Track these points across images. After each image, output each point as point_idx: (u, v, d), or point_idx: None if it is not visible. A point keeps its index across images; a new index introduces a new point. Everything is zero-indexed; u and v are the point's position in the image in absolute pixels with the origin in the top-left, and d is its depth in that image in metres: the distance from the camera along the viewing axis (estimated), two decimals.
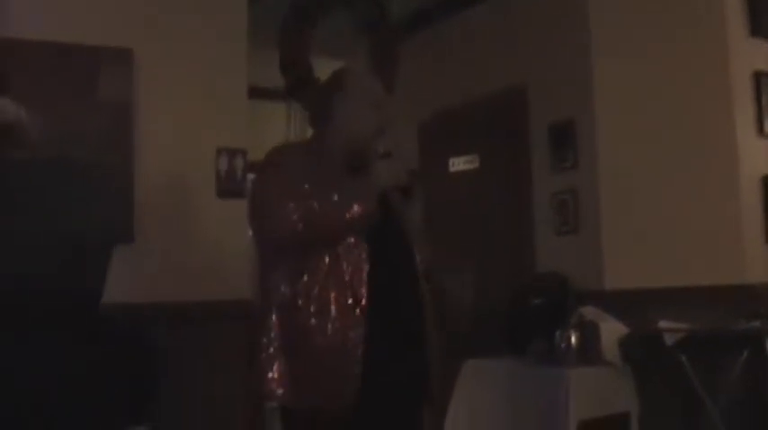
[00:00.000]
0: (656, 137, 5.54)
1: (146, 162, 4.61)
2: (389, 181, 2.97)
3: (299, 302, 2.87)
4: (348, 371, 2.81)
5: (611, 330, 5.04)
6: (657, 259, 5.41)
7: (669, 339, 4.93)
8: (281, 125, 8.94)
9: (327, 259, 2.89)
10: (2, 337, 2.87)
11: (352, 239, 2.92)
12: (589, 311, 5.10)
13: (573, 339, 4.98)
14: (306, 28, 5.88)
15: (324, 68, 6.09)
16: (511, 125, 6.25)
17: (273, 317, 2.93)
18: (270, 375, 2.89)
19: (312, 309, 2.85)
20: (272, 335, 2.91)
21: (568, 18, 5.83)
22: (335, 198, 2.88)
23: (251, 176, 4.61)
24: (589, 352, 4.96)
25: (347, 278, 2.87)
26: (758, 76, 5.82)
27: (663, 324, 5.01)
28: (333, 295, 2.86)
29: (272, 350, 2.91)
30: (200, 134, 4.81)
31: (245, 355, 3.04)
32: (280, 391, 2.87)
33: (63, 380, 3.00)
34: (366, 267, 2.90)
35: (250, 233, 3.31)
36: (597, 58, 5.63)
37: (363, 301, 2.85)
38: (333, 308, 2.85)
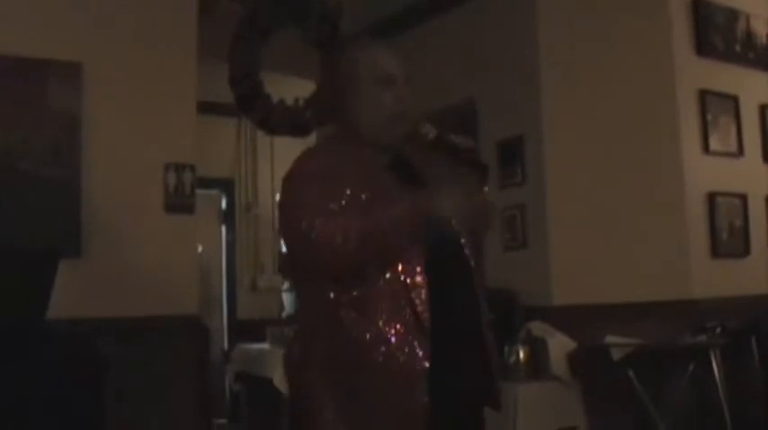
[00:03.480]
0: (603, 154, 5.58)
1: (93, 176, 4.58)
2: (454, 214, 2.58)
3: (353, 331, 2.57)
4: (414, 403, 2.53)
5: (560, 345, 5.07)
6: (605, 275, 5.45)
7: (617, 354, 4.97)
8: (231, 140, 8.94)
9: (383, 279, 2.58)
10: None
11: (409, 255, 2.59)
12: (537, 327, 5.13)
13: (521, 354, 5.01)
14: (256, 42, 5.88)
15: (274, 84, 6.12)
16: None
17: (322, 347, 2.64)
18: (326, 414, 2.59)
19: (368, 336, 2.55)
20: (322, 368, 2.62)
21: (517, 35, 5.88)
22: (384, 209, 2.53)
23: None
24: (538, 367, 4.99)
25: (407, 297, 2.56)
26: (703, 95, 5.90)
27: (610, 339, 5.05)
28: (391, 320, 2.56)
29: (325, 385, 2.61)
30: (148, 148, 4.78)
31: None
32: (333, 424, 2.57)
33: (4, 396, 2.96)
34: (425, 283, 2.58)
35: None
36: (545, 76, 5.67)
37: (427, 324, 2.55)
38: (392, 335, 2.54)
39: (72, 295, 4.10)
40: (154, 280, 4.71)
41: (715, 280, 5.69)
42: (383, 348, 2.55)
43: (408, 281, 2.58)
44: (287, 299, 9.60)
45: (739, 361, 5.34)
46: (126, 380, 4.24)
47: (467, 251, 2.81)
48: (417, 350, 2.55)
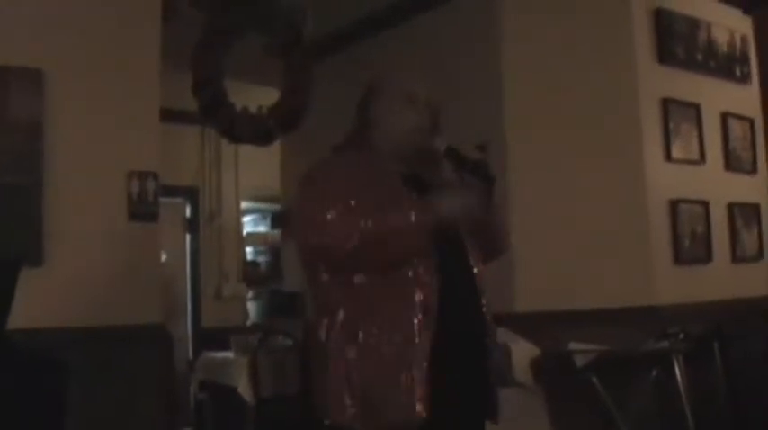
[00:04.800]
0: (566, 161, 5.61)
1: (55, 184, 4.53)
2: (454, 212, 2.75)
3: (362, 321, 2.71)
4: (416, 389, 2.64)
5: (524, 352, 5.09)
6: (568, 281, 5.48)
7: (580, 360, 4.99)
8: (195, 147, 8.90)
9: (392, 274, 2.73)
10: None
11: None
12: (501, 333, 5.13)
13: None
14: (220, 49, 5.86)
15: (237, 91, 6.11)
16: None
17: (334, 336, 2.76)
18: (333, 398, 2.73)
19: (376, 327, 2.69)
20: (335, 356, 2.74)
21: (481, 43, 5.90)
22: (395, 213, 2.69)
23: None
24: (502, 374, 4.99)
25: (417, 291, 2.70)
26: (666, 103, 5.95)
27: (574, 345, 5.07)
28: (400, 310, 2.69)
29: (334, 370, 2.74)
30: (111, 156, 4.74)
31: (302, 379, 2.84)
32: (343, 415, 2.70)
33: None
34: (435, 277, 2.72)
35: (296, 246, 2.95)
36: (509, 84, 5.70)
37: (432, 314, 2.68)
38: (400, 324, 2.68)
39: (34, 304, 4.06)
40: (117, 288, 4.68)
41: (677, 286, 5.73)
42: (387, 341, 2.67)
43: (418, 275, 2.72)
44: (251, 307, 9.60)
45: (702, 366, 5.37)
46: (90, 389, 4.21)
47: (472, 261, 2.93)
48: (420, 348, 2.66)
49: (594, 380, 4.96)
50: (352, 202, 2.72)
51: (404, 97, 3.03)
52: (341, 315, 2.76)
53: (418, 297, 2.70)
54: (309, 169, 2.95)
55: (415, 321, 2.67)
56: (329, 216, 2.70)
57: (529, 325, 5.30)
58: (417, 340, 2.67)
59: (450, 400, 2.73)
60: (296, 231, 2.96)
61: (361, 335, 2.70)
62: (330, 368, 2.75)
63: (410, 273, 2.72)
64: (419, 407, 2.64)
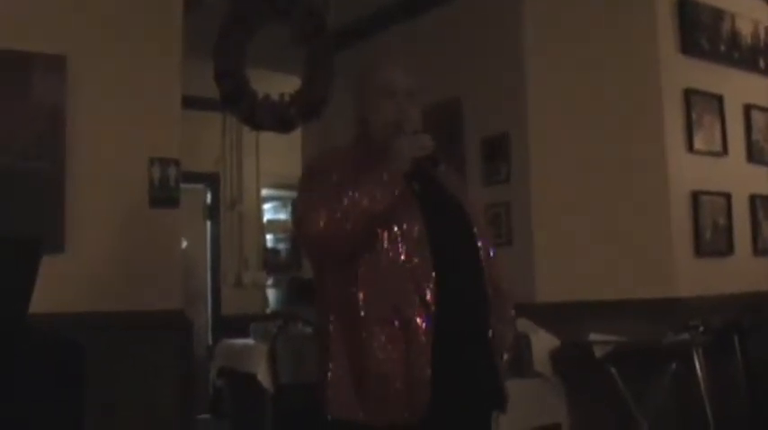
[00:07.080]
0: (588, 152, 5.60)
1: (78, 170, 4.55)
2: (411, 151, 2.77)
3: (360, 309, 2.71)
4: (418, 382, 2.65)
5: (543, 342, 5.08)
6: (589, 272, 5.47)
7: (599, 351, 4.98)
8: (216, 135, 8.90)
9: (382, 254, 2.72)
10: None
11: (405, 225, 2.73)
12: (521, 323, 5.13)
13: None
14: (243, 38, 5.87)
15: (259, 79, 6.12)
16: (445, 138, 6.27)
17: (334, 328, 2.78)
18: (337, 392, 2.74)
19: (376, 321, 2.69)
20: (337, 348, 2.76)
21: (503, 34, 5.89)
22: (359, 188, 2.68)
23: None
24: (521, 364, 4.99)
25: (416, 285, 2.70)
26: (688, 94, 5.91)
27: (593, 336, 5.06)
28: (400, 305, 2.68)
29: (337, 365, 2.75)
30: (133, 143, 4.76)
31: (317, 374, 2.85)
32: (347, 408, 2.71)
33: None
34: (429, 254, 2.72)
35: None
36: (531, 74, 5.69)
37: (430, 297, 2.68)
38: (400, 317, 2.67)
39: (55, 289, 4.07)
40: (138, 274, 4.70)
41: (698, 278, 5.70)
42: (385, 328, 2.68)
43: (410, 254, 2.72)
44: (271, 295, 9.62)
45: (722, 359, 5.36)
46: (109, 374, 4.23)
47: (479, 244, 2.93)
48: (420, 334, 2.66)
49: (613, 371, 4.96)
50: (325, 192, 2.73)
51: (383, 93, 3.04)
52: (342, 309, 2.76)
53: (418, 291, 2.69)
54: (307, 166, 3.06)
55: (416, 314, 2.67)
56: (303, 206, 2.78)
57: (549, 315, 5.29)
58: (418, 333, 2.67)
59: (455, 392, 2.73)
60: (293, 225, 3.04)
61: (361, 328, 2.70)
62: (331, 361, 2.77)
63: (408, 266, 2.71)
64: (421, 401, 2.64)
